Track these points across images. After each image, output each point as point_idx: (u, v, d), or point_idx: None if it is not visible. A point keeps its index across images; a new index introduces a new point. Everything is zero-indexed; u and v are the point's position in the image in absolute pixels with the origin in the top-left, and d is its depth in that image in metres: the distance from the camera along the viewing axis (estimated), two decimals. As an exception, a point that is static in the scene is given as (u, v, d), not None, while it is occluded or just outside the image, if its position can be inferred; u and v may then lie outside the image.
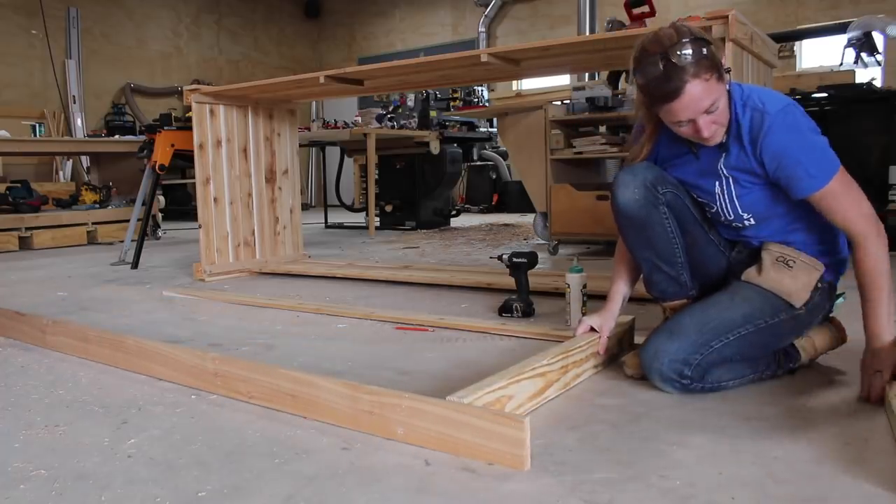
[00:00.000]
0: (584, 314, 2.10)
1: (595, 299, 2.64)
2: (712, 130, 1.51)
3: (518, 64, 2.84)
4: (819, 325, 1.71)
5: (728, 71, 1.51)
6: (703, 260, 1.74)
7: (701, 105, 1.46)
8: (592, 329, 1.79)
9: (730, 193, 1.62)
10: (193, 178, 4.22)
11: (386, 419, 1.33)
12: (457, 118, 7.18)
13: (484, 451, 1.21)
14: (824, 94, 3.98)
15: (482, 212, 8.77)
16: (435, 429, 1.26)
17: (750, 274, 1.61)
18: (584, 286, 2.19)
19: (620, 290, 1.84)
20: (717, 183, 1.63)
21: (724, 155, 1.58)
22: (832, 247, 1.64)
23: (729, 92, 1.53)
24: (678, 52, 1.43)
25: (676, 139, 1.64)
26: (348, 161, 7.69)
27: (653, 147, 1.70)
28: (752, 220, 1.63)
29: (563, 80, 6.46)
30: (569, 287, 2.20)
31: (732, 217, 1.64)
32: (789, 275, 1.57)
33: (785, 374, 1.66)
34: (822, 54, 7.56)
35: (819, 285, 1.59)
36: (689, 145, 1.63)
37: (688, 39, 1.44)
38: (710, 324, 1.55)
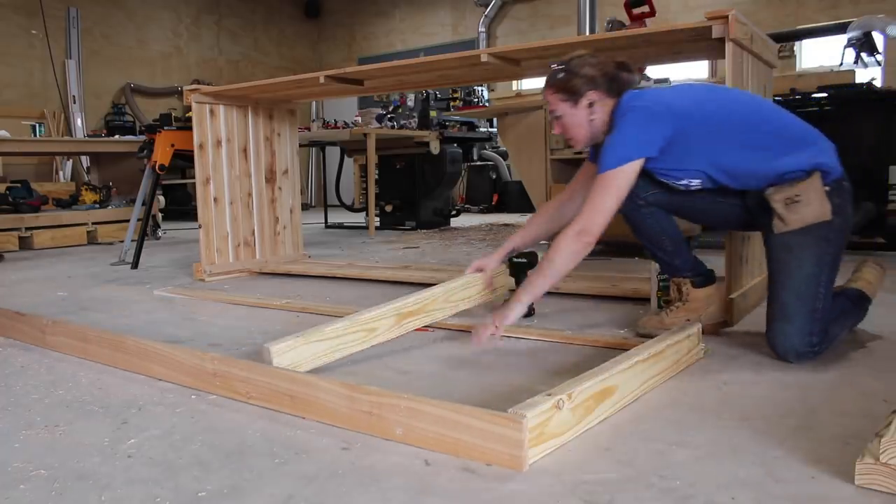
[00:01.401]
0: (658, 297, 2.30)
1: (598, 299, 2.65)
2: (557, 132, 1.98)
3: (518, 64, 2.84)
4: (863, 264, 2.09)
5: (590, 105, 1.89)
6: (718, 217, 2.01)
7: (549, 108, 1.96)
8: (479, 270, 2.20)
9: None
10: (193, 178, 4.22)
11: (385, 420, 1.33)
12: (457, 118, 7.17)
13: (482, 452, 1.21)
14: (824, 94, 3.97)
15: (482, 212, 8.77)
16: (433, 429, 1.26)
17: (778, 226, 1.77)
18: (661, 272, 2.32)
19: (513, 241, 2.21)
20: None
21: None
22: (794, 148, 1.79)
23: (618, 104, 1.89)
24: (553, 71, 1.94)
25: None
26: (348, 161, 7.69)
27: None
28: (691, 182, 1.89)
29: (563, 80, 6.45)
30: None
31: (681, 186, 1.92)
32: (804, 205, 1.73)
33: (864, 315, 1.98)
34: (822, 54, 7.56)
35: (827, 188, 1.74)
36: None
37: (563, 69, 1.91)
38: (801, 290, 1.75)
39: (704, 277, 2.07)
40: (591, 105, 1.89)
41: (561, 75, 1.91)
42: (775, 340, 1.77)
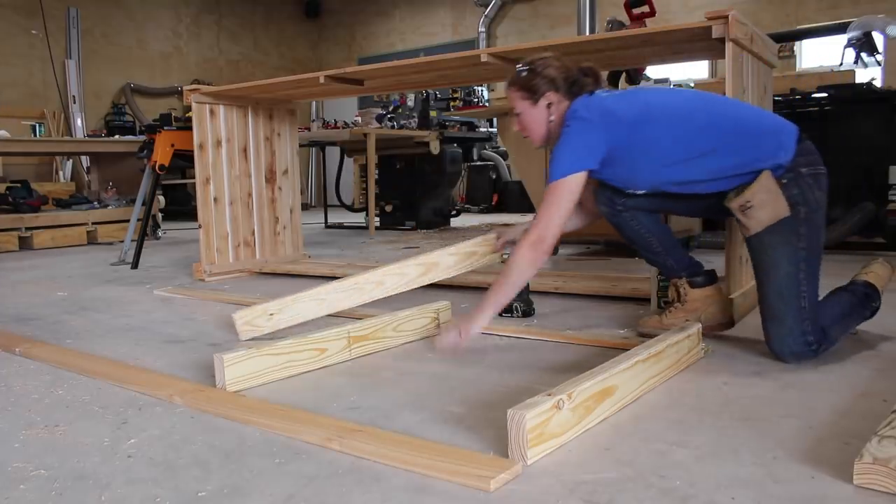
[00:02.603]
0: (658, 297, 2.32)
1: (598, 299, 2.65)
2: (516, 129, 2.04)
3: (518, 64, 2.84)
4: (873, 260, 2.12)
5: (549, 105, 1.92)
6: (700, 209, 2.07)
7: (510, 104, 2.00)
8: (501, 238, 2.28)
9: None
10: (193, 178, 4.22)
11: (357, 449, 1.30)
12: (457, 118, 7.17)
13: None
14: (824, 94, 3.97)
15: (482, 212, 8.76)
16: (416, 462, 1.22)
17: (744, 231, 1.80)
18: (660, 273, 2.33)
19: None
20: None
21: None
22: (749, 146, 1.77)
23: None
24: (518, 69, 1.98)
25: None
26: (348, 161, 7.68)
27: None
28: (636, 190, 1.95)
29: (563, 80, 6.44)
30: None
31: (628, 189, 1.96)
32: (758, 208, 1.74)
33: (873, 314, 1.95)
34: (822, 54, 7.56)
35: (783, 181, 1.72)
36: None
37: (528, 68, 1.95)
38: (783, 290, 1.74)
39: (703, 277, 2.06)
40: (549, 106, 1.93)
41: (524, 73, 1.94)
42: (771, 343, 1.78)
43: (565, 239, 4.28)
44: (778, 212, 1.72)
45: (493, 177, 9.06)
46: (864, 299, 1.93)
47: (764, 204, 1.72)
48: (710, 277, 2.07)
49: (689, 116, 1.83)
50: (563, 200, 1.82)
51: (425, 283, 2.30)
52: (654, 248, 2.05)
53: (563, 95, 1.92)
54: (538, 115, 1.94)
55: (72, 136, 8.63)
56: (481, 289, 2.90)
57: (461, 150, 6.66)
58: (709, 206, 1.96)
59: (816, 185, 1.75)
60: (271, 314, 2.15)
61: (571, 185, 1.81)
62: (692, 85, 4.76)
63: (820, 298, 1.80)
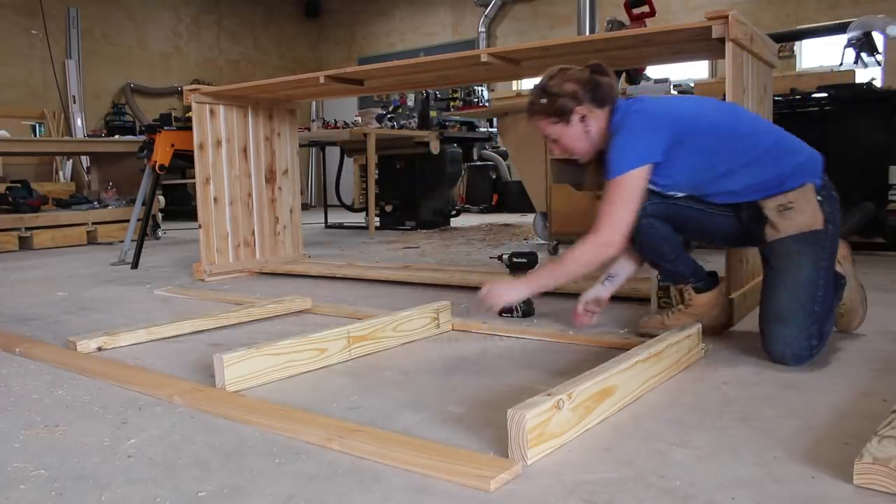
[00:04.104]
0: (658, 297, 2.30)
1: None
2: (558, 153, 2.03)
3: (518, 64, 2.84)
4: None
5: (582, 119, 1.90)
6: (715, 228, 1.97)
7: (542, 133, 1.97)
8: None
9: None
10: (193, 178, 4.22)
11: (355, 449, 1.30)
12: (457, 118, 7.17)
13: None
14: (824, 94, 3.97)
15: (482, 212, 8.77)
16: (416, 462, 1.22)
17: (770, 234, 1.79)
18: (662, 280, 2.31)
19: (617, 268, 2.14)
20: None
21: None
22: (788, 162, 1.80)
23: (614, 109, 1.91)
24: (532, 98, 1.96)
25: None
26: (348, 161, 7.68)
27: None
28: (677, 192, 1.91)
29: (563, 80, 6.43)
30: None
31: (670, 193, 1.92)
32: (797, 212, 1.76)
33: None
34: (822, 54, 7.56)
35: (819, 198, 1.77)
36: None
37: (543, 94, 1.92)
38: (800, 293, 1.74)
39: (707, 282, 2.05)
40: (583, 119, 1.91)
41: (543, 100, 1.92)
42: (773, 344, 1.76)
43: (565, 239, 4.28)
44: (814, 221, 1.75)
45: (493, 177, 9.06)
46: (835, 286, 1.95)
47: (804, 210, 1.75)
48: (713, 281, 2.06)
49: (733, 125, 1.86)
50: (630, 197, 1.79)
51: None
52: (667, 255, 1.99)
53: (590, 103, 1.90)
54: (575, 132, 1.92)
55: (72, 136, 8.63)
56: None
57: (461, 150, 6.66)
58: (725, 225, 1.94)
59: (838, 209, 1.81)
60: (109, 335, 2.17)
61: (636, 179, 1.79)
62: (692, 85, 4.77)
63: None
